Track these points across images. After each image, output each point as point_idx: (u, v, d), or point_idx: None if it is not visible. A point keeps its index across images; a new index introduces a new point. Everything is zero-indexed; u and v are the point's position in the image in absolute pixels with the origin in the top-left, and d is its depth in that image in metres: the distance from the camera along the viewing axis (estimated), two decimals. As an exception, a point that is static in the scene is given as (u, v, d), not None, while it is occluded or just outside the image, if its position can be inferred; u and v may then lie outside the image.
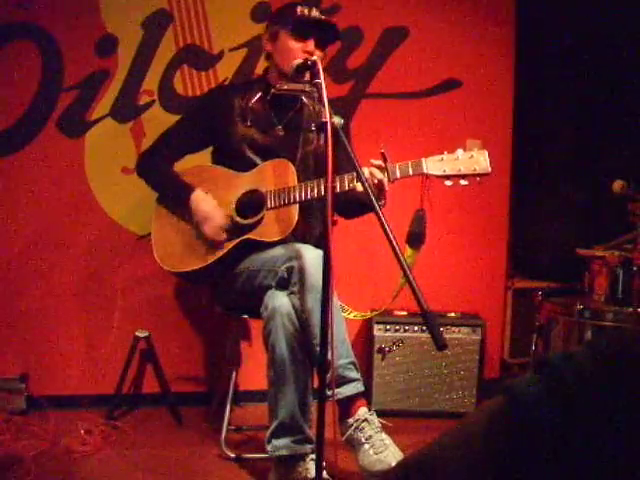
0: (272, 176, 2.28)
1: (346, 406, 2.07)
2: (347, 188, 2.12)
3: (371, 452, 1.97)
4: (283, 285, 2.13)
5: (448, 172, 2.04)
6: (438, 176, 2.05)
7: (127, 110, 2.92)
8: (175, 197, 2.39)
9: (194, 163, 2.51)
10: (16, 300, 2.87)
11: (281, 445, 2.07)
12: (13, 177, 2.84)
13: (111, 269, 2.95)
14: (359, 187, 2.07)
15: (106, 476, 2.27)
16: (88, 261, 2.93)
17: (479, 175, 2.05)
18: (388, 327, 2.92)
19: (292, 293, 2.10)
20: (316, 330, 2.02)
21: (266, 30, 2.39)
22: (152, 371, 2.88)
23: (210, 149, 2.52)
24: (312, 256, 2.10)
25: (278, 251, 2.19)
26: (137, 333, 2.79)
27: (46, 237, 2.89)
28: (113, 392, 2.78)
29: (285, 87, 2.28)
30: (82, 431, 2.53)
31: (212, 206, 2.30)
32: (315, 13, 2.27)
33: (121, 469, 2.31)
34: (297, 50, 2.25)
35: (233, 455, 2.40)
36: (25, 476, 2.17)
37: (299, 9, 2.27)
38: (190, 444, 2.56)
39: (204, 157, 2.53)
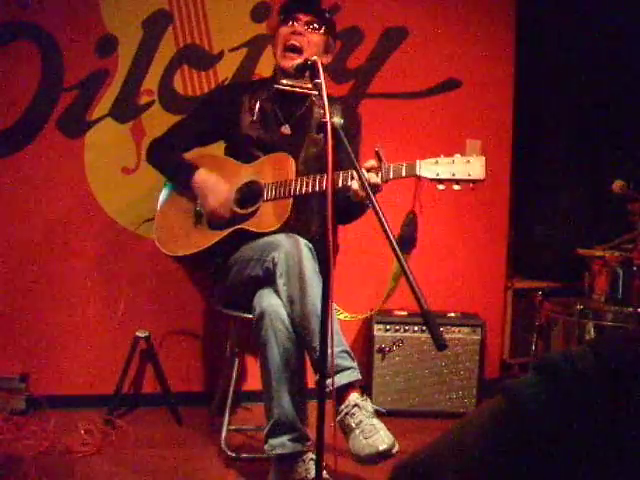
0: (271, 169, 2.31)
1: (341, 394, 2.05)
2: (340, 185, 2.12)
3: (361, 437, 1.93)
4: (270, 275, 2.13)
5: (441, 176, 2.01)
6: (431, 179, 2.03)
7: (127, 110, 2.92)
8: (179, 175, 2.43)
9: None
10: (16, 300, 2.86)
11: (277, 444, 2.07)
12: (13, 177, 2.84)
13: (111, 269, 2.95)
14: (354, 185, 2.07)
15: (106, 476, 2.26)
16: (88, 261, 2.93)
17: (472, 181, 2.02)
18: (388, 327, 2.92)
19: (280, 284, 2.09)
20: (308, 321, 2.03)
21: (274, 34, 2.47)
22: (152, 371, 2.87)
23: (221, 144, 2.56)
24: (296, 244, 2.11)
25: (265, 240, 2.20)
26: (137, 333, 2.78)
27: (46, 237, 2.88)
28: (113, 392, 2.78)
29: (286, 83, 2.29)
30: (82, 431, 2.53)
31: (216, 180, 2.34)
32: None
33: (121, 469, 2.31)
34: (285, 34, 2.31)
35: (233, 455, 2.40)
36: (25, 476, 2.17)
37: None
38: (190, 444, 2.56)
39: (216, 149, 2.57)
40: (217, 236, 2.33)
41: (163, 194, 2.52)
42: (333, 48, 2.45)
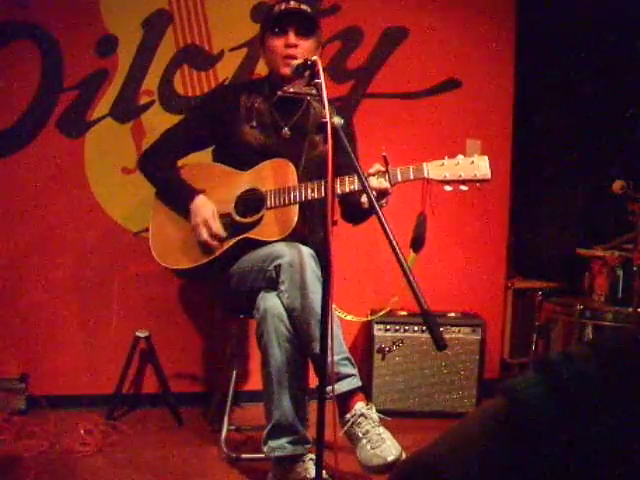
0: (272, 175, 2.27)
1: (344, 402, 2.05)
2: (347, 190, 2.12)
3: (368, 447, 1.95)
4: (273, 284, 2.12)
5: (449, 177, 2.05)
6: (439, 181, 2.06)
7: (127, 110, 2.92)
8: (176, 198, 2.37)
9: (194, 160, 2.51)
10: (16, 300, 2.87)
11: (277, 446, 2.07)
12: (13, 177, 2.84)
13: (111, 269, 2.95)
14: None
15: (106, 476, 2.26)
16: (88, 261, 2.93)
17: (479, 181, 2.06)
18: (388, 327, 2.92)
19: (282, 292, 2.09)
20: (309, 328, 2.03)
21: (258, 39, 2.45)
22: (152, 371, 2.87)
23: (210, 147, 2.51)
24: (299, 253, 2.09)
25: (267, 250, 2.18)
26: (137, 333, 2.79)
27: (46, 237, 2.89)
28: (113, 392, 2.78)
29: (291, 90, 2.28)
30: (82, 431, 2.53)
31: (212, 213, 2.28)
32: (291, 4, 2.29)
33: (121, 469, 2.31)
34: (279, 46, 2.28)
35: (233, 455, 2.40)
36: (25, 476, 2.17)
37: (275, 7, 2.31)
38: (190, 444, 2.56)
39: (204, 155, 2.53)
40: (221, 247, 2.28)
41: (154, 208, 2.42)
42: (321, 44, 2.43)
